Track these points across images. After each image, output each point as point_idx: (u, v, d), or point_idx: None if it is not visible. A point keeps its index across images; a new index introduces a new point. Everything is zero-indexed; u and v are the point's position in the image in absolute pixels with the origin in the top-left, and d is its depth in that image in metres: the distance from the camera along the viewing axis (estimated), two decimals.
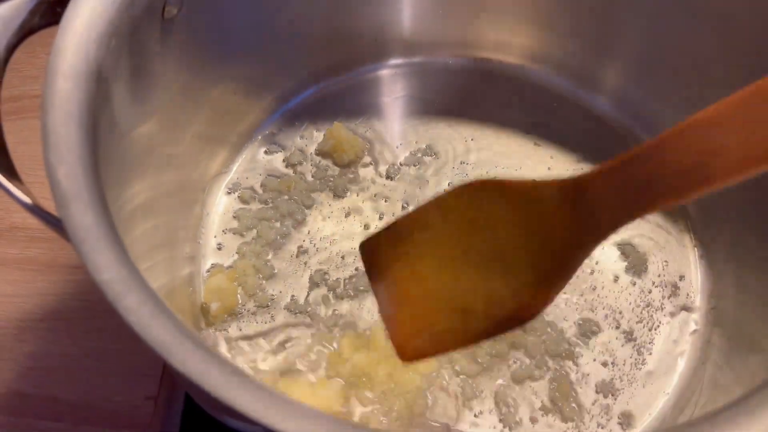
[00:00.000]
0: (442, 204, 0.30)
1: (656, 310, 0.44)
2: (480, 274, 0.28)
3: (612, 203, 0.24)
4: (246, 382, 0.24)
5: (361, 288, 0.44)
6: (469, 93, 0.52)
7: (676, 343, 0.43)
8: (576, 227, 0.26)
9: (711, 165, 0.22)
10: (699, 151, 0.22)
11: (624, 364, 0.42)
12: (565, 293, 0.43)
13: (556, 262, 0.26)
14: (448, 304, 0.29)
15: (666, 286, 0.45)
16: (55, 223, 0.28)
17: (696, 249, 0.46)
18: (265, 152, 0.50)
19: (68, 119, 0.29)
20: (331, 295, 0.44)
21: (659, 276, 0.45)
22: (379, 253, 0.32)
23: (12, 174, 0.30)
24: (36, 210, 0.29)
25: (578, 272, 0.26)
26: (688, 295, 0.44)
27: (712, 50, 0.43)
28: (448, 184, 0.49)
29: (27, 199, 0.29)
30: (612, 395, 0.41)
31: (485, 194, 0.28)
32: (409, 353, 0.30)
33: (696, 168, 0.22)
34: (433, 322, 0.29)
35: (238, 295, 0.44)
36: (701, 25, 0.43)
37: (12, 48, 0.33)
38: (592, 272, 0.45)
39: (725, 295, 0.43)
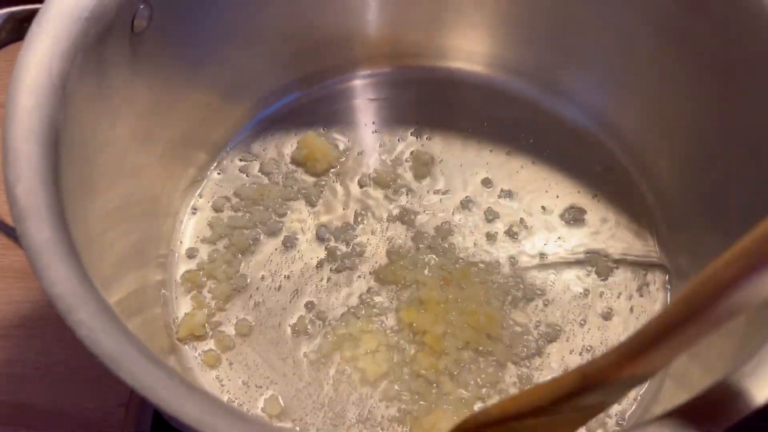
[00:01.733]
0: None
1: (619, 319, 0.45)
2: None
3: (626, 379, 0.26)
4: (195, 394, 0.24)
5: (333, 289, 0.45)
6: (438, 102, 0.53)
7: None
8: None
9: None
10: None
11: None
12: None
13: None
14: None
15: (631, 293, 0.45)
16: (14, 235, 0.29)
17: (661, 257, 0.47)
18: (239, 160, 0.51)
19: (29, 135, 0.30)
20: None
21: (625, 284, 0.46)
22: None
23: None
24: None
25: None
26: (653, 301, 0.45)
27: (672, 62, 0.44)
28: (418, 196, 0.49)
29: None
30: None
31: None
32: None
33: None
34: None
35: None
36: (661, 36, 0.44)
37: None
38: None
39: None
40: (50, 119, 0.31)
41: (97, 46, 0.35)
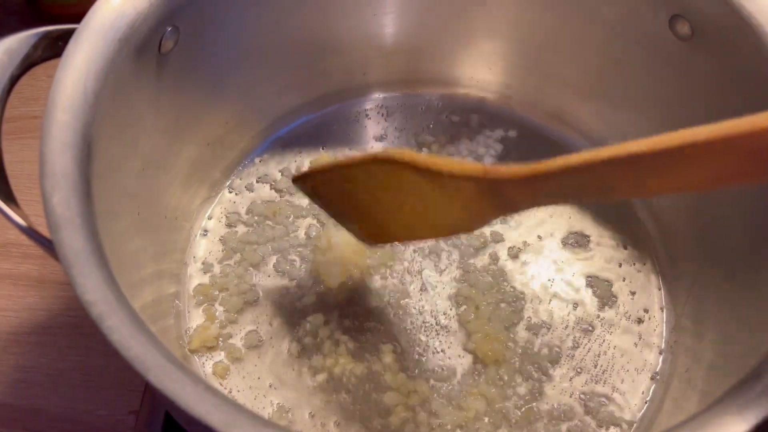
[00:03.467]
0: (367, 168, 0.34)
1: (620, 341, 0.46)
2: (412, 214, 0.34)
3: (523, 199, 0.29)
4: (218, 399, 0.26)
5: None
6: (446, 126, 0.55)
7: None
8: (489, 205, 0.30)
9: (613, 189, 0.27)
10: (603, 181, 0.27)
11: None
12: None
13: (475, 219, 0.32)
14: (395, 221, 0.36)
15: (631, 320, 0.47)
16: (48, 245, 0.30)
17: (661, 286, 0.48)
18: (253, 179, 0.52)
19: (64, 149, 0.32)
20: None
21: (625, 311, 0.47)
22: (315, 187, 0.39)
23: (9, 198, 0.32)
24: (30, 232, 0.31)
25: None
26: (653, 328, 0.47)
27: (671, 94, 0.46)
28: None
29: (23, 222, 0.31)
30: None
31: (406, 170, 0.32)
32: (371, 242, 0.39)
33: (600, 190, 0.28)
34: (385, 231, 0.37)
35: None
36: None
37: (15, 79, 0.35)
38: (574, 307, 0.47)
39: (685, 328, 0.46)
40: (84, 134, 0.33)
41: (127, 66, 0.37)
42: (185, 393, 0.25)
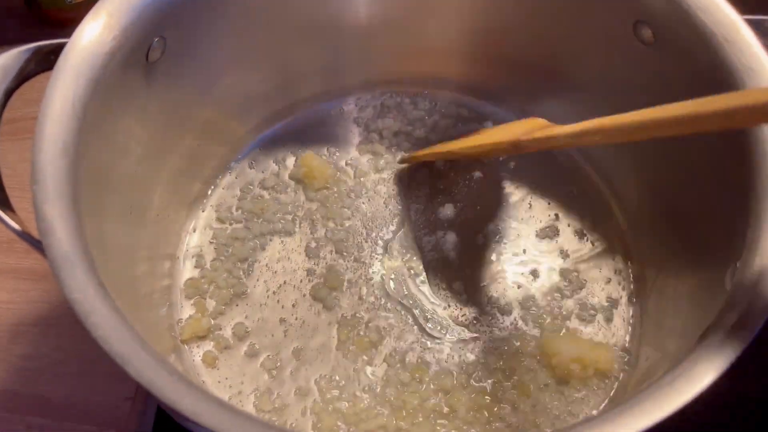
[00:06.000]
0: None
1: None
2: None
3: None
4: (191, 389, 0.29)
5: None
6: (425, 127, 0.58)
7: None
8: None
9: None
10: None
11: None
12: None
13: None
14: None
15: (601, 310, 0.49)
16: (40, 247, 0.33)
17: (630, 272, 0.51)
18: (242, 177, 0.55)
19: (54, 158, 0.34)
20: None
21: (597, 301, 0.50)
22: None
23: (5, 204, 0.35)
24: (24, 236, 0.34)
25: None
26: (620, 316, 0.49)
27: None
28: (413, 208, 0.53)
29: (17, 227, 0.34)
30: None
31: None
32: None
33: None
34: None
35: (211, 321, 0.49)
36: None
37: (10, 92, 0.37)
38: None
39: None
40: (73, 144, 0.35)
41: (115, 76, 0.39)
42: (161, 384, 0.28)
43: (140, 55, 0.42)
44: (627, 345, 0.48)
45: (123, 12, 0.39)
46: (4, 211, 0.34)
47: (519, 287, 0.50)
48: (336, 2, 0.51)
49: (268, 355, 0.47)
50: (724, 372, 0.30)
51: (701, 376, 0.30)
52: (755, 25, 0.39)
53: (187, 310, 0.49)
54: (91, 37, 0.38)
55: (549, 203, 0.54)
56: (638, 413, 0.29)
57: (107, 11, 0.39)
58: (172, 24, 0.43)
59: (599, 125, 0.39)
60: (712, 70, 0.40)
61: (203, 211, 0.53)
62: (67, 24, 0.40)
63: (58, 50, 0.38)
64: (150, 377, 0.28)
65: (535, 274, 0.51)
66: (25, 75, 0.38)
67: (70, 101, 0.36)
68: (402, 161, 0.56)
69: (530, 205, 0.54)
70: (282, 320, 0.49)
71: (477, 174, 0.55)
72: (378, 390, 0.46)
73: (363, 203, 0.54)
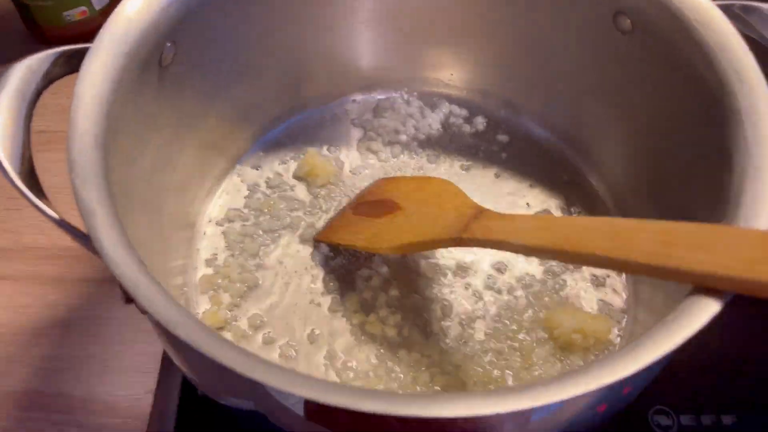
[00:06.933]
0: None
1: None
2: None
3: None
4: (236, 349, 0.31)
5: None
6: (428, 127, 0.61)
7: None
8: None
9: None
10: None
11: None
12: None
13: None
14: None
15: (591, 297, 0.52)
16: (79, 235, 0.35)
17: None
18: (248, 176, 0.57)
19: (87, 150, 0.36)
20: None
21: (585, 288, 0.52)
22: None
23: (41, 194, 0.37)
24: (63, 224, 0.36)
25: None
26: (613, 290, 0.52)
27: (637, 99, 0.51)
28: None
29: (55, 215, 0.36)
30: None
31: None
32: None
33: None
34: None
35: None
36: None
37: (39, 92, 0.40)
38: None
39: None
40: (103, 137, 0.37)
41: (134, 77, 0.42)
42: (208, 343, 0.30)
43: (155, 58, 0.44)
44: (623, 310, 0.51)
45: (142, 15, 0.42)
46: (41, 200, 0.36)
47: (517, 267, 0.53)
48: (340, 5, 0.54)
49: (285, 342, 0.49)
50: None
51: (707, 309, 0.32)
52: (724, 9, 0.43)
53: (203, 305, 0.51)
54: (114, 37, 0.40)
55: (541, 190, 0.57)
56: (651, 346, 0.31)
57: (126, 16, 0.41)
58: (182, 29, 0.45)
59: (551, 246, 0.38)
60: (688, 50, 0.43)
61: (213, 211, 0.55)
62: (65, 42, 0.42)
63: (79, 54, 0.41)
64: (199, 337, 0.30)
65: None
66: (52, 77, 0.40)
67: (98, 99, 0.38)
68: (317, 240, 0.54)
69: (523, 194, 0.57)
70: (294, 308, 0.51)
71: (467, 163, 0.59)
72: (392, 371, 0.48)
73: None
